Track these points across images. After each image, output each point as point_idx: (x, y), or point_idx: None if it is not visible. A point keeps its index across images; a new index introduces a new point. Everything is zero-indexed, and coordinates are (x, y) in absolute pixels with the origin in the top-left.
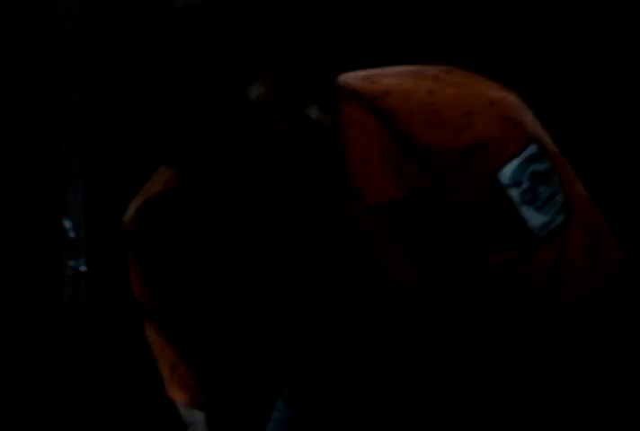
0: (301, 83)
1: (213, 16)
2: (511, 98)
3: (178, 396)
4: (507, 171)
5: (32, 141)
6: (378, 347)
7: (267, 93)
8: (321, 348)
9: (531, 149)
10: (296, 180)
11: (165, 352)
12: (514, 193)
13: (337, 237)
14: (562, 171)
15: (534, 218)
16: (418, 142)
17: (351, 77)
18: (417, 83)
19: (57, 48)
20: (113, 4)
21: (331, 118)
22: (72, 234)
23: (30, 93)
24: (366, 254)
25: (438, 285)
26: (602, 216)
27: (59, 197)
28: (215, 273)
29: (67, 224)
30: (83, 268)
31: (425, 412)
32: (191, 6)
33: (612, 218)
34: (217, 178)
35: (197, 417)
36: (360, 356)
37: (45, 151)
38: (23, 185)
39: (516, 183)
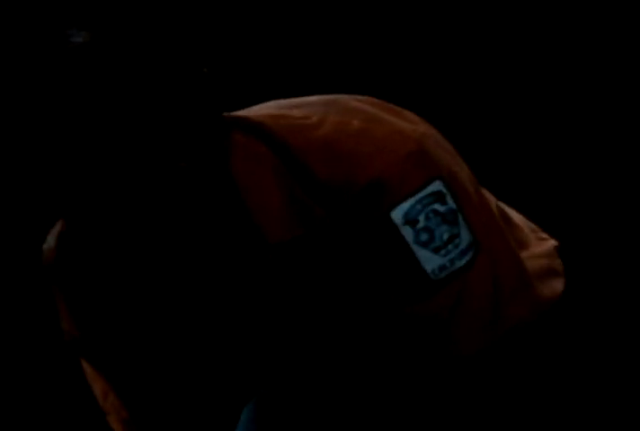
0: (178, 128)
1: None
2: (423, 131)
3: (115, 426)
4: (401, 209)
5: (32, 141)
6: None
7: (135, 140)
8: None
9: (434, 187)
10: (197, 222)
11: (97, 380)
12: (407, 232)
13: (253, 269)
14: (474, 210)
15: (429, 260)
16: (318, 177)
17: (247, 111)
18: (324, 117)
19: None
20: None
21: (222, 156)
22: None
23: (29, 93)
24: (286, 283)
25: (354, 322)
26: (515, 251)
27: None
28: (146, 298)
29: None
30: None
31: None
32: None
33: (612, 218)
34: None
35: None
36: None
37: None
38: (24, 186)
39: (410, 222)
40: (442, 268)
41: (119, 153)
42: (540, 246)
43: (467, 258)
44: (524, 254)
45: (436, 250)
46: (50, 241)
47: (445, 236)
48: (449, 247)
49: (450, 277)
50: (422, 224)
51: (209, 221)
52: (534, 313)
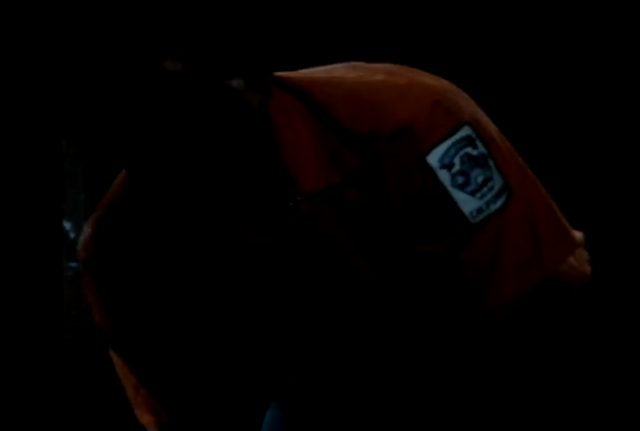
0: (224, 57)
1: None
2: (445, 83)
3: (144, 418)
4: (436, 154)
5: (33, 141)
6: (347, 340)
7: (182, 66)
8: (295, 346)
9: (464, 132)
10: (231, 162)
11: (128, 374)
12: (444, 176)
13: (281, 222)
14: (502, 156)
15: (467, 202)
16: (346, 128)
17: (281, 72)
18: (347, 73)
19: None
20: None
21: (260, 100)
22: (72, 235)
23: (30, 94)
24: (313, 239)
25: (386, 271)
26: (553, 204)
27: (59, 199)
28: (182, 277)
29: (67, 225)
30: None
31: (416, 411)
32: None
33: (611, 217)
34: (163, 163)
35: None
36: (332, 350)
37: (45, 152)
38: (24, 186)
39: (446, 166)
40: (479, 210)
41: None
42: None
43: (501, 201)
44: None
45: (472, 193)
46: (86, 230)
47: (480, 179)
48: (484, 190)
49: (487, 219)
50: (457, 167)
51: (247, 170)
52: (571, 275)
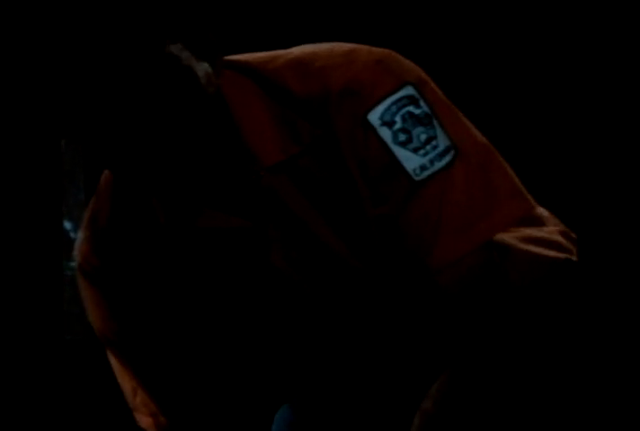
0: (166, 23)
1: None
2: (391, 50)
3: (142, 420)
4: (377, 111)
5: (33, 142)
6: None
7: (126, 31)
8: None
9: (406, 91)
10: (192, 143)
11: (126, 377)
12: (385, 133)
13: (247, 199)
14: (449, 117)
15: (410, 160)
16: (296, 96)
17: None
18: (292, 49)
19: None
20: None
21: (210, 71)
22: (72, 235)
23: (29, 94)
24: (280, 214)
25: (353, 241)
26: (505, 165)
27: (60, 199)
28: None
29: (68, 225)
30: None
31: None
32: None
33: (612, 217)
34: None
35: None
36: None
37: (45, 152)
38: (24, 186)
39: (387, 123)
40: (423, 167)
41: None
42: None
43: (446, 160)
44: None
45: (415, 151)
46: (80, 235)
47: (422, 137)
48: (427, 148)
49: (431, 177)
50: (398, 125)
51: (209, 149)
52: (527, 237)
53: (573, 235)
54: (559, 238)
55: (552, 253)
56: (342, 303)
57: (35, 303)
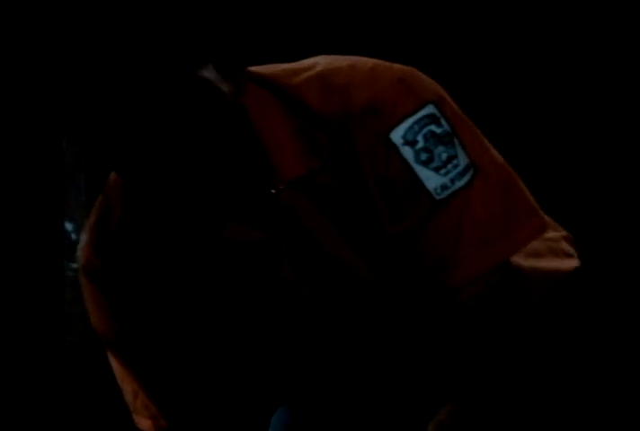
0: (197, 46)
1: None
2: (410, 67)
3: (142, 423)
4: (399, 130)
5: (33, 142)
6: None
7: (156, 55)
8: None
9: (427, 110)
10: (214, 156)
11: (127, 379)
12: (407, 152)
13: (266, 212)
14: (469, 135)
15: (431, 179)
16: (317, 113)
17: (252, 67)
18: (314, 62)
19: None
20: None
21: (235, 92)
22: (73, 236)
23: (30, 94)
24: (297, 229)
25: (374, 258)
26: (522, 185)
27: (61, 200)
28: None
29: (69, 226)
30: None
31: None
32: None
33: (613, 217)
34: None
35: None
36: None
37: (46, 152)
38: (25, 187)
39: (409, 142)
40: (444, 187)
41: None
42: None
43: (467, 178)
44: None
45: (436, 170)
46: (84, 236)
47: (444, 156)
48: (449, 167)
49: (451, 196)
50: (420, 144)
51: (229, 162)
52: (547, 264)
53: (572, 237)
54: (563, 245)
55: (562, 266)
56: (349, 315)
57: (36, 304)
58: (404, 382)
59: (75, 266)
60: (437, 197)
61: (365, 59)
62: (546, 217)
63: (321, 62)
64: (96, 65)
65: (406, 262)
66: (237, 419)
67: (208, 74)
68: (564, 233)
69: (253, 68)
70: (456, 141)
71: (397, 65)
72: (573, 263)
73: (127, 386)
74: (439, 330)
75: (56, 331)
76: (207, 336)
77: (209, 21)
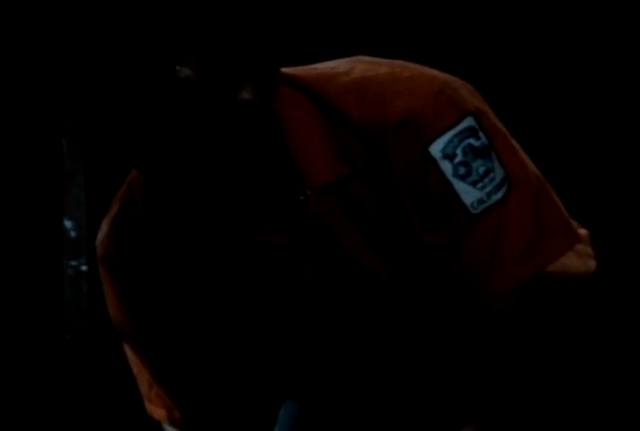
0: (235, 65)
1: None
2: (449, 76)
3: (156, 411)
4: (439, 144)
5: (33, 141)
6: (363, 343)
7: (195, 73)
8: (310, 350)
9: (467, 123)
10: (243, 162)
11: (143, 370)
12: (446, 166)
13: (293, 218)
14: (505, 148)
15: (468, 193)
16: (353, 121)
17: (288, 68)
18: (352, 68)
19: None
20: None
21: (267, 100)
22: (73, 234)
23: (31, 93)
24: (323, 235)
25: (398, 266)
26: (555, 198)
27: (60, 197)
28: (195, 275)
29: (68, 223)
30: (83, 268)
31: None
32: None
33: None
34: (177, 165)
35: None
36: (348, 353)
37: (45, 150)
38: (24, 185)
39: (448, 156)
40: (480, 201)
41: (182, 92)
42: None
43: (502, 192)
44: None
45: (474, 184)
46: (104, 227)
47: (481, 170)
48: (485, 181)
49: (488, 210)
50: (459, 157)
51: (255, 165)
52: (573, 269)
53: (589, 233)
54: (585, 246)
55: (585, 268)
56: (366, 317)
57: (35, 302)
58: (416, 383)
59: (73, 263)
60: (473, 212)
61: (403, 66)
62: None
63: (358, 67)
64: (110, 69)
65: (435, 272)
66: (246, 410)
67: (247, 94)
68: (583, 230)
69: (287, 70)
70: (493, 154)
71: (438, 75)
72: (593, 264)
73: (142, 376)
74: (458, 336)
75: (55, 329)
76: (220, 331)
77: (245, 37)
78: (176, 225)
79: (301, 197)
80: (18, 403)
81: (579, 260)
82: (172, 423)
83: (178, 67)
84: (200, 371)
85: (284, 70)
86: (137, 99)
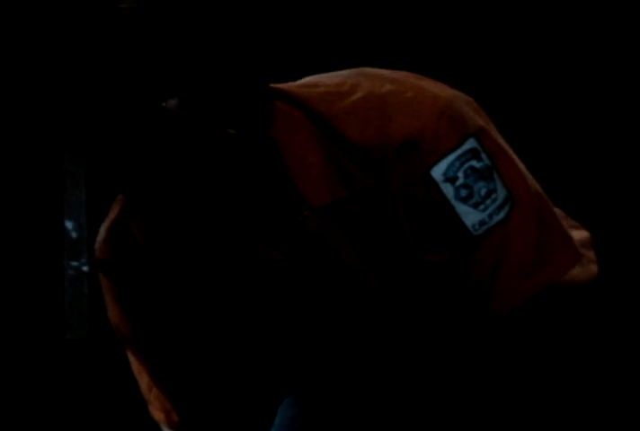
0: (222, 101)
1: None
2: (452, 93)
3: (156, 414)
4: (440, 167)
5: (34, 141)
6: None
7: (185, 106)
8: (309, 356)
9: (469, 145)
10: (240, 187)
11: (143, 372)
12: (448, 189)
13: (291, 238)
14: (507, 166)
15: (470, 215)
16: (352, 143)
17: (287, 85)
18: (356, 84)
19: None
20: None
21: (257, 130)
22: (74, 235)
23: (31, 94)
24: (321, 255)
25: (393, 284)
26: (557, 214)
27: (61, 198)
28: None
29: (69, 224)
30: (84, 269)
31: (426, 413)
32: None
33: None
34: (167, 197)
35: None
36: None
37: (46, 150)
38: (25, 186)
39: (450, 179)
40: (482, 222)
41: (168, 120)
42: (575, 235)
43: (504, 212)
44: None
45: (475, 206)
46: (102, 232)
47: (483, 192)
48: (487, 202)
49: (489, 231)
50: (461, 180)
51: (252, 186)
52: (576, 277)
53: (591, 236)
54: (587, 251)
55: (588, 274)
56: (362, 329)
57: (36, 303)
58: (416, 386)
59: (74, 264)
60: (475, 234)
61: (407, 83)
62: (561, 212)
63: (361, 85)
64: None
65: (436, 291)
66: (243, 413)
67: (235, 129)
68: (584, 233)
69: (287, 86)
70: (495, 174)
71: (439, 93)
72: (595, 269)
73: (142, 378)
74: (460, 345)
75: (56, 330)
76: (218, 337)
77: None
78: (174, 237)
79: (299, 218)
80: (18, 404)
81: (581, 268)
82: (170, 426)
83: (164, 103)
84: (197, 375)
85: (286, 87)
86: (122, 132)
